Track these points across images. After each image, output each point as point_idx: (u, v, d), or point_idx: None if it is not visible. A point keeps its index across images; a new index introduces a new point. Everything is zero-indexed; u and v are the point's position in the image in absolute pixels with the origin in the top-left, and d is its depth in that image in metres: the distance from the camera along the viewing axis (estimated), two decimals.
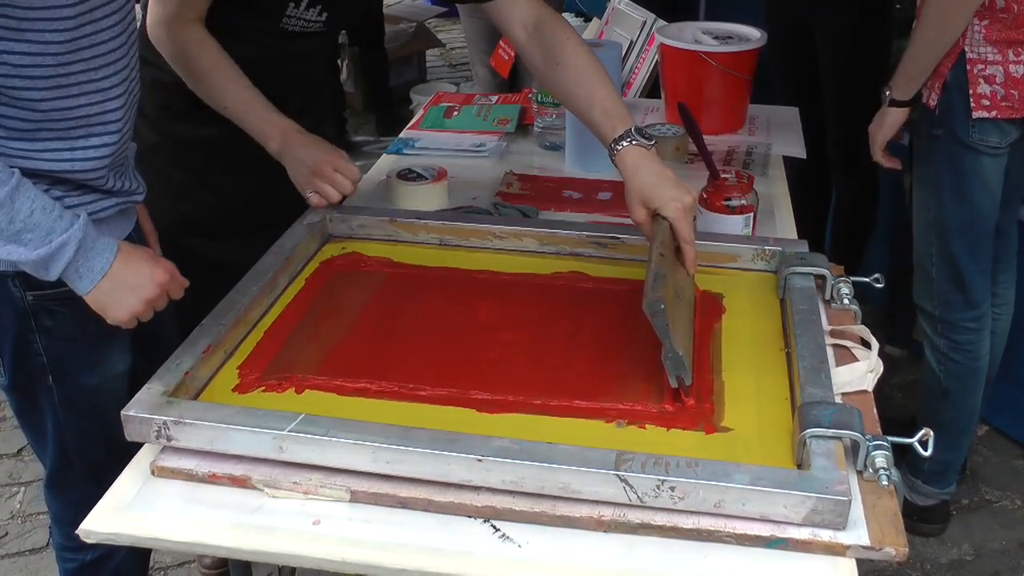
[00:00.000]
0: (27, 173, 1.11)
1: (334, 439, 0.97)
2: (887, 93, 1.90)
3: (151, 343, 1.32)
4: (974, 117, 1.79)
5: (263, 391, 1.12)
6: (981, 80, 1.77)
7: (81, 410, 1.07)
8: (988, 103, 1.78)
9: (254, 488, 1.00)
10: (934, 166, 1.90)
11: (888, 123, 1.92)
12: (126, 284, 1.14)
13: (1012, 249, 2.11)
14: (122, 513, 0.98)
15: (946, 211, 1.92)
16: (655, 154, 1.31)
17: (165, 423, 1.00)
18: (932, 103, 1.84)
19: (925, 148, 1.92)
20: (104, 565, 1.43)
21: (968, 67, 1.77)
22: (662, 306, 1.09)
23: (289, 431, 0.98)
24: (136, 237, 1.32)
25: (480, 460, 0.95)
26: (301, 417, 0.99)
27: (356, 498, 0.98)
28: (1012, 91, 1.76)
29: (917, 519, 2.17)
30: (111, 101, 1.18)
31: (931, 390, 2.13)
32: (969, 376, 2.06)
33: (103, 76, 1.15)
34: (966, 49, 1.77)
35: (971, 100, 1.78)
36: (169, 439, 1.01)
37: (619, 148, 1.30)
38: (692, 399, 1.10)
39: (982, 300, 2.01)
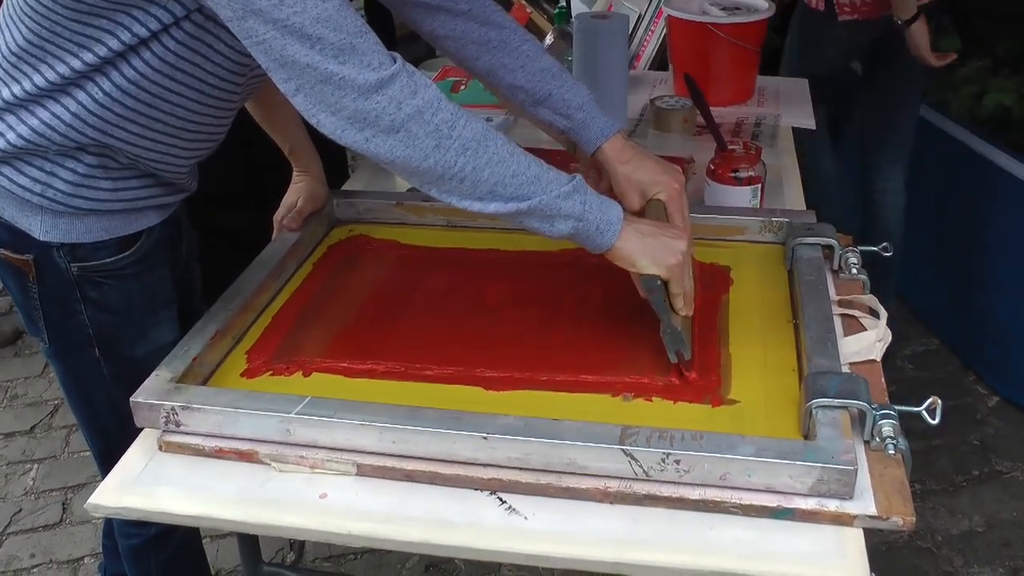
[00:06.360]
0: (127, 156, 1.13)
1: (340, 420, 0.97)
2: (898, 23, 2.19)
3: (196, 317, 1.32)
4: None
5: (271, 375, 1.13)
6: None
7: (131, 383, 1.07)
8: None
9: (261, 463, 1.00)
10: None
11: (916, 37, 2.19)
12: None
13: (906, 144, 2.48)
14: (129, 487, 0.99)
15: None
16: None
17: (173, 408, 1.01)
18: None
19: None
20: (168, 540, 1.44)
21: None
22: (658, 282, 1.08)
23: (296, 414, 0.98)
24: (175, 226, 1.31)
25: (486, 438, 0.95)
26: (307, 400, 1.00)
27: (362, 472, 0.98)
28: None
29: None
30: (223, 118, 1.20)
31: None
32: None
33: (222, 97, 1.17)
34: None
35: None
36: (178, 424, 1.02)
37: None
38: (695, 372, 1.10)
39: None
